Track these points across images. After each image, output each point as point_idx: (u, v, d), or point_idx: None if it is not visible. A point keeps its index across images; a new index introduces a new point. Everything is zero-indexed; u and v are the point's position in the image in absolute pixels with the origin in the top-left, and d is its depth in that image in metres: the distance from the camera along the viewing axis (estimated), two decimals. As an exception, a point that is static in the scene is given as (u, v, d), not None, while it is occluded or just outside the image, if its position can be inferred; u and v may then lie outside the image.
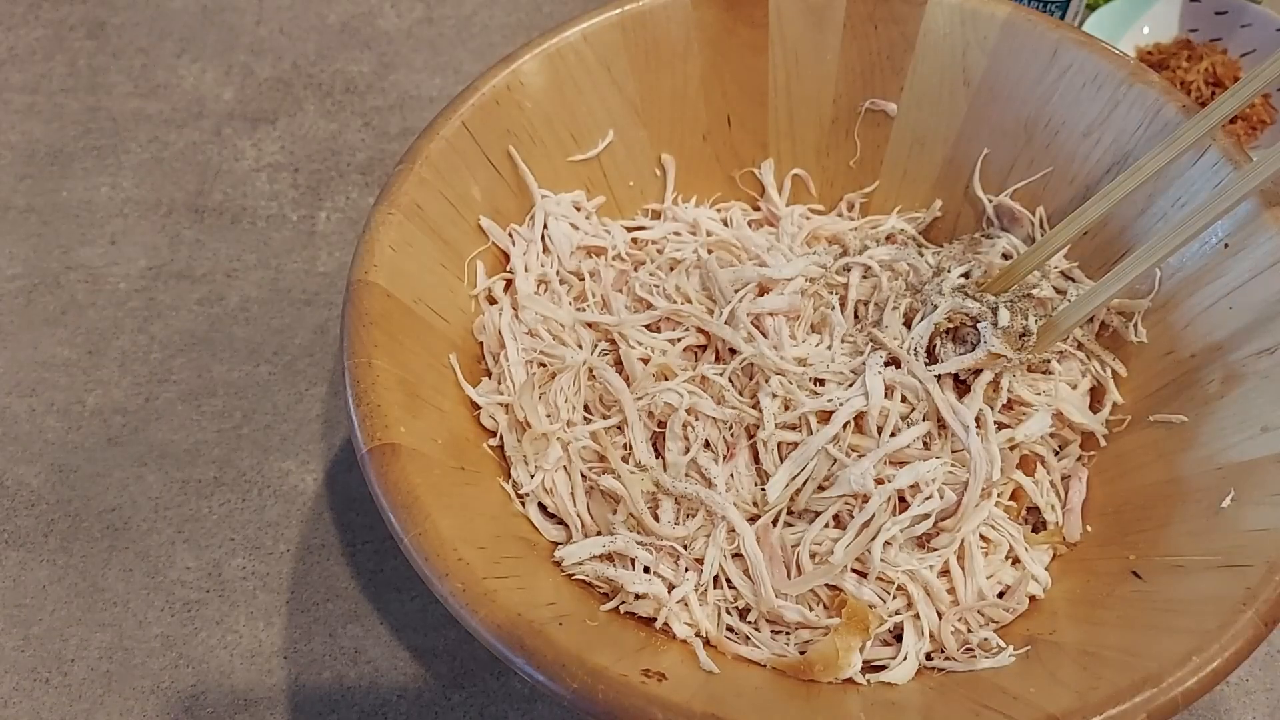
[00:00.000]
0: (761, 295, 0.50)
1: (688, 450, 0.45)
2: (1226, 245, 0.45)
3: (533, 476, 0.45)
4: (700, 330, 0.49)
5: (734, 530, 0.43)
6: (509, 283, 0.51)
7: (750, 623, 0.43)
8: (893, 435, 0.45)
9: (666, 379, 0.47)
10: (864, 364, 0.46)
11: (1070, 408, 0.48)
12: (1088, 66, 0.50)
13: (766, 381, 0.46)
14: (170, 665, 0.52)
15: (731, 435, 0.46)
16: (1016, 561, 0.45)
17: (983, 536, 0.44)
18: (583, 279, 0.52)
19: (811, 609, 0.43)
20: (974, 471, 0.44)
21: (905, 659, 0.41)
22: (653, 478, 0.45)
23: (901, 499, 0.44)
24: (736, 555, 0.43)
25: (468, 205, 0.49)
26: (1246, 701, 0.51)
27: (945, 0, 0.52)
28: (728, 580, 0.43)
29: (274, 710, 0.51)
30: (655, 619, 0.42)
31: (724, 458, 0.46)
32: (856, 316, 0.50)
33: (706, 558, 0.43)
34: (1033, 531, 0.46)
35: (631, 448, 0.46)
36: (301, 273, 0.65)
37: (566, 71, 0.51)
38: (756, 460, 0.46)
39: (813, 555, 0.43)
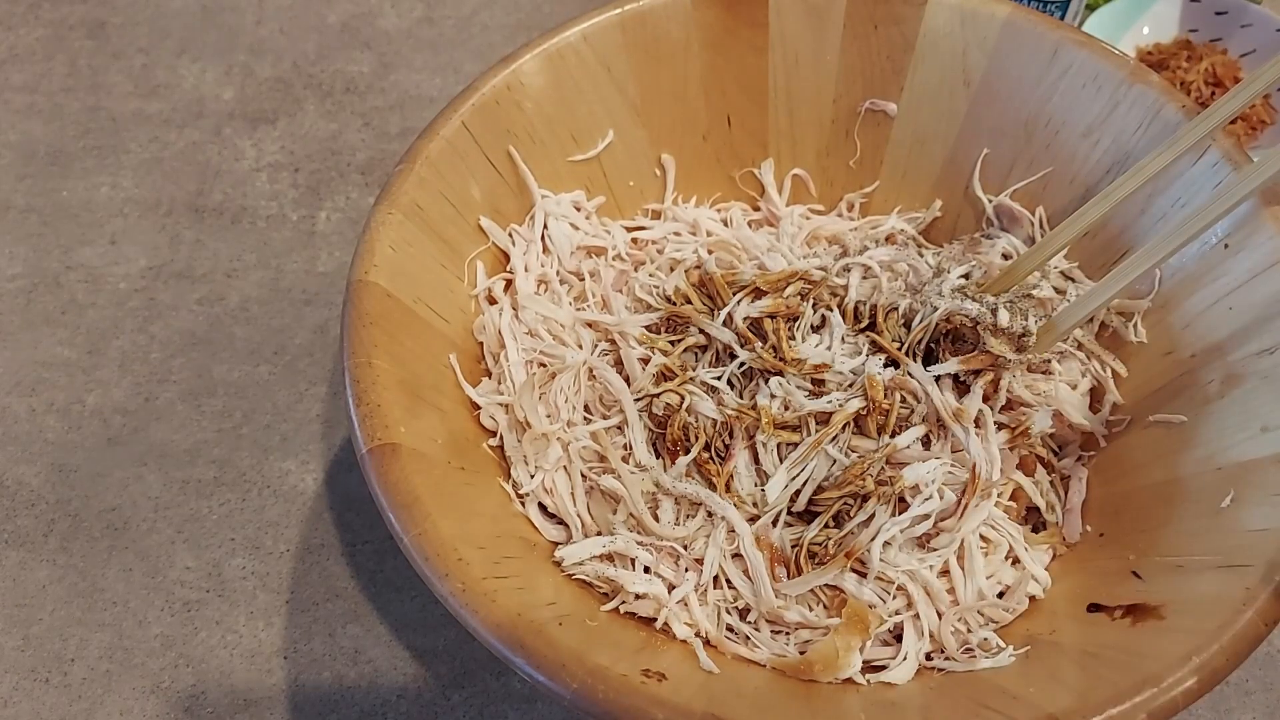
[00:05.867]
0: (761, 296, 0.50)
1: (688, 451, 0.45)
2: (1226, 245, 0.45)
3: (533, 476, 0.45)
4: (701, 330, 0.49)
5: (734, 530, 0.43)
6: (509, 283, 0.51)
7: (750, 623, 0.43)
8: (893, 436, 0.45)
9: (666, 379, 0.47)
10: (864, 365, 0.46)
11: (1070, 408, 0.48)
12: (1088, 66, 0.50)
13: (765, 383, 0.46)
14: (170, 665, 0.52)
15: (731, 436, 0.46)
16: (1016, 561, 0.45)
17: (983, 536, 0.45)
18: (583, 279, 0.52)
19: (811, 609, 0.43)
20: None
21: (905, 659, 0.41)
22: (653, 478, 0.45)
23: (901, 499, 0.44)
24: (736, 555, 0.44)
25: (468, 205, 0.49)
26: (1246, 701, 0.51)
27: (945, 0, 0.52)
28: (728, 580, 0.43)
29: (274, 710, 0.51)
30: (655, 619, 0.42)
31: (723, 458, 0.46)
32: (856, 317, 0.50)
33: (706, 558, 0.43)
34: (1033, 531, 0.46)
35: (631, 448, 0.46)
36: (301, 273, 0.65)
37: (566, 71, 0.51)
38: (756, 461, 0.46)
39: (813, 555, 0.43)
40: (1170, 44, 0.71)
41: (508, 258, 0.51)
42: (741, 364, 0.47)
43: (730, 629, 0.43)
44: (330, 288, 0.65)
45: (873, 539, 0.42)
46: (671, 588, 0.43)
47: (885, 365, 0.47)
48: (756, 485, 0.45)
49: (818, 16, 0.53)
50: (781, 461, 0.45)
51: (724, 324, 0.49)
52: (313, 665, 0.52)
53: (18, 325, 0.63)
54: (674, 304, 0.50)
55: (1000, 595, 0.44)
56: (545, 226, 0.52)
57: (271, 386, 0.61)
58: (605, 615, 0.42)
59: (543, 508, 0.46)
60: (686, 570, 0.44)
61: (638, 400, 0.47)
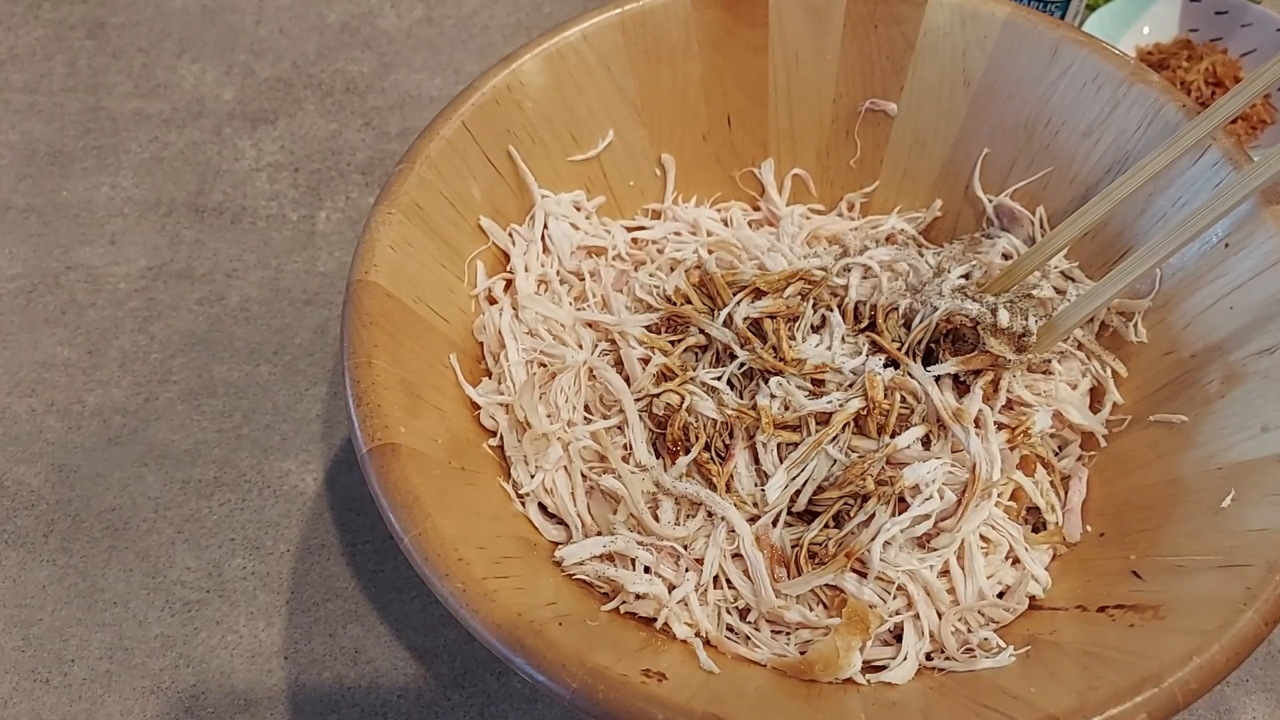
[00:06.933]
0: (761, 297, 0.50)
1: (688, 451, 0.45)
2: (1226, 245, 0.45)
3: (533, 476, 0.45)
4: (701, 330, 0.49)
5: (734, 531, 0.43)
6: (509, 283, 0.51)
7: (750, 623, 0.43)
8: (893, 436, 0.45)
9: (666, 379, 0.47)
10: (864, 365, 0.46)
11: (1070, 408, 0.48)
12: (1088, 66, 0.50)
13: (765, 383, 0.46)
14: (170, 665, 0.52)
15: (731, 436, 0.46)
16: (1016, 561, 0.45)
17: (983, 536, 0.45)
18: (583, 279, 0.52)
19: (811, 609, 0.43)
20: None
21: (905, 659, 0.41)
22: (653, 478, 0.45)
23: (901, 499, 0.44)
24: (736, 555, 0.44)
25: (468, 205, 0.49)
26: (1246, 701, 0.51)
27: (945, 0, 0.52)
28: (728, 580, 0.43)
29: (274, 710, 0.51)
30: (655, 619, 0.42)
31: (724, 459, 0.46)
32: (856, 317, 0.50)
33: (706, 558, 0.43)
34: (1033, 531, 0.46)
35: (632, 448, 0.46)
36: (301, 273, 0.65)
37: (566, 71, 0.51)
38: (756, 461, 0.46)
39: (813, 555, 0.43)
40: (1170, 44, 0.71)
41: (508, 258, 0.51)
42: (741, 364, 0.47)
43: (730, 629, 0.43)
44: (330, 288, 0.65)
45: (873, 539, 0.42)
46: (672, 588, 0.43)
47: (885, 365, 0.47)
48: (756, 485, 0.45)
49: (818, 16, 0.53)
50: (781, 461, 0.45)
51: (724, 324, 0.49)
52: (313, 665, 0.52)
53: (18, 325, 0.63)
54: (674, 304, 0.50)
55: (1000, 595, 0.44)
56: (545, 226, 0.52)
57: (271, 386, 0.61)
58: (605, 615, 0.42)
59: (543, 508, 0.46)
60: (686, 570, 0.44)
61: (638, 400, 0.47)
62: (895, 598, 0.43)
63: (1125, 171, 0.48)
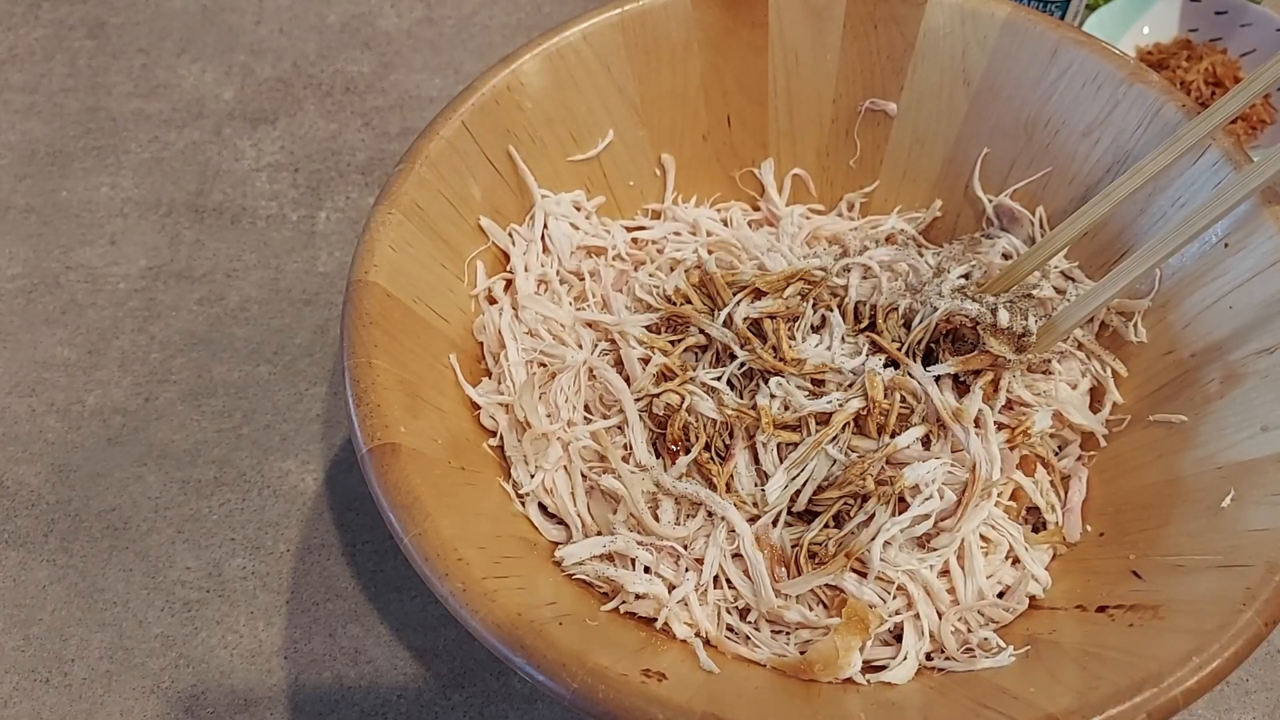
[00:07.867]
0: (761, 297, 0.50)
1: (688, 451, 0.45)
2: (1226, 245, 0.45)
3: (533, 476, 0.45)
4: (701, 330, 0.49)
5: (734, 530, 0.43)
6: (509, 283, 0.51)
7: (750, 623, 0.43)
8: (893, 436, 0.45)
9: (666, 379, 0.47)
10: (864, 365, 0.46)
11: (1070, 408, 0.48)
12: (1088, 66, 0.50)
13: (765, 383, 0.46)
14: (170, 665, 0.52)
15: (731, 436, 0.46)
16: (1016, 561, 0.45)
17: (983, 536, 0.45)
18: (583, 279, 0.52)
19: (811, 609, 0.43)
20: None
21: (905, 659, 0.41)
22: (653, 478, 0.45)
23: (901, 499, 0.44)
24: (736, 555, 0.44)
25: (468, 205, 0.49)
26: (1246, 701, 0.51)
27: (945, 0, 0.52)
28: (728, 580, 0.43)
29: (274, 710, 0.51)
30: (655, 619, 0.42)
31: (724, 459, 0.46)
32: (856, 317, 0.50)
33: (706, 558, 0.43)
34: (1033, 531, 0.46)
35: (632, 448, 0.46)
36: (301, 273, 0.65)
37: (566, 71, 0.51)
38: (756, 461, 0.46)
39: (812, 555, 0.43)
40: (1170, 44, 0.71)
41: (508, 258, 0.51)
42: (741, 364, 0.47)
43: (730, 629, 0.43)
44: (330, 288, 0.65)
45: (873, 539, 0.42)
46: (672, 588, 0.43)
47: (885, 365, 0.47)
48: (756, 485, 0.45)
49: (818, 16, 0.53)
50: (781, 461, 0.45)
51: (724, 324, 0.49)
52: (313, 665, 0.52)
53: (18, 325, 0.63)
54: (674, 304, 0.50)
55: (1000, 595, 0.44)
56: (545, 226, 0.52)
57: (271, 386, 0.61)
58: (605, 615, 0.42)
59: (543, 508, 0.46)
60: (686, 570, 0.44)
61: (638, 400, 0.47)
62: (895, 598, 0.43)
63: (1125, 171, 0.48)
